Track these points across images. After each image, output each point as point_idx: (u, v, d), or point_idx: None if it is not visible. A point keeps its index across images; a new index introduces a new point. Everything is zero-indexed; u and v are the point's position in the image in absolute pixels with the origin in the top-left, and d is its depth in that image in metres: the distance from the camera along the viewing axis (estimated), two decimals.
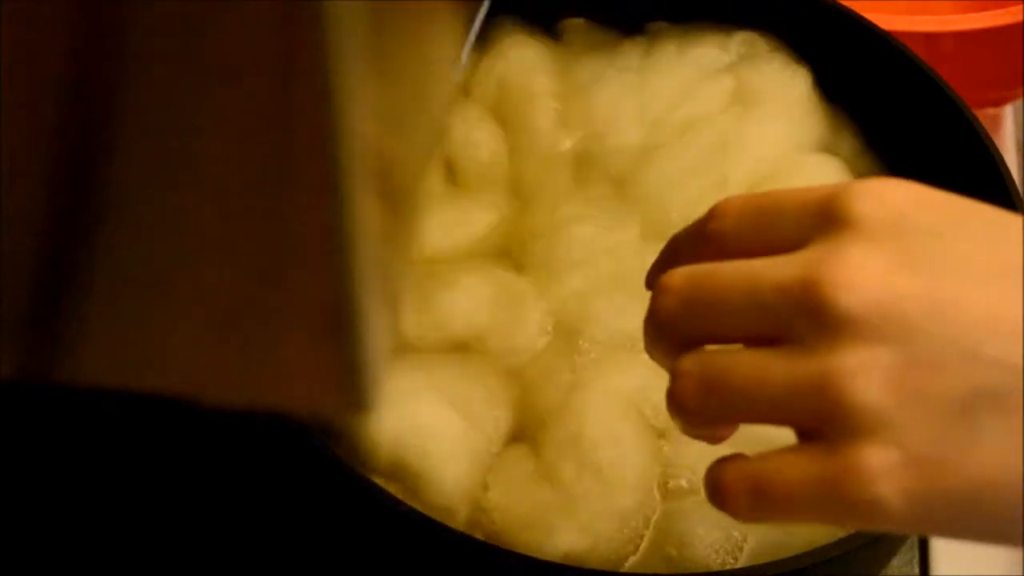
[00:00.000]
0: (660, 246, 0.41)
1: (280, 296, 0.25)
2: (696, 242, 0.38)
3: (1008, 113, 0.82)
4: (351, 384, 0.27)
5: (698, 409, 0.36)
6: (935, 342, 0.33)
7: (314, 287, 0.25)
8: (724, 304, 0.35)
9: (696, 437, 0.38)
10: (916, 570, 0.61)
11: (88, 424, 0.58)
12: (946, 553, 0.61)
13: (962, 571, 0.60)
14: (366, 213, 0.25)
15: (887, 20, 0.66)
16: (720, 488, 0.35)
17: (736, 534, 0.49)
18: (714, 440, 0.39)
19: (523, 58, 0.63)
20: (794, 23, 0.63)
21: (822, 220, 0.35)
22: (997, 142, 0.59)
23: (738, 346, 0.36)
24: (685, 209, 0.57)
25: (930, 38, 0.73)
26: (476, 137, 0.60)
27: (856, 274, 0.33)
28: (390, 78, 0.26)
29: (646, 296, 0.39)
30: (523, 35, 0.64)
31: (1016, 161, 0.80)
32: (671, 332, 0.37)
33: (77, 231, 0.25)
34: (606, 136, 0.62)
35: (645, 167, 0.60)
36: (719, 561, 0.48)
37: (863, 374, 0.32)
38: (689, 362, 0.36)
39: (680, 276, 0.37)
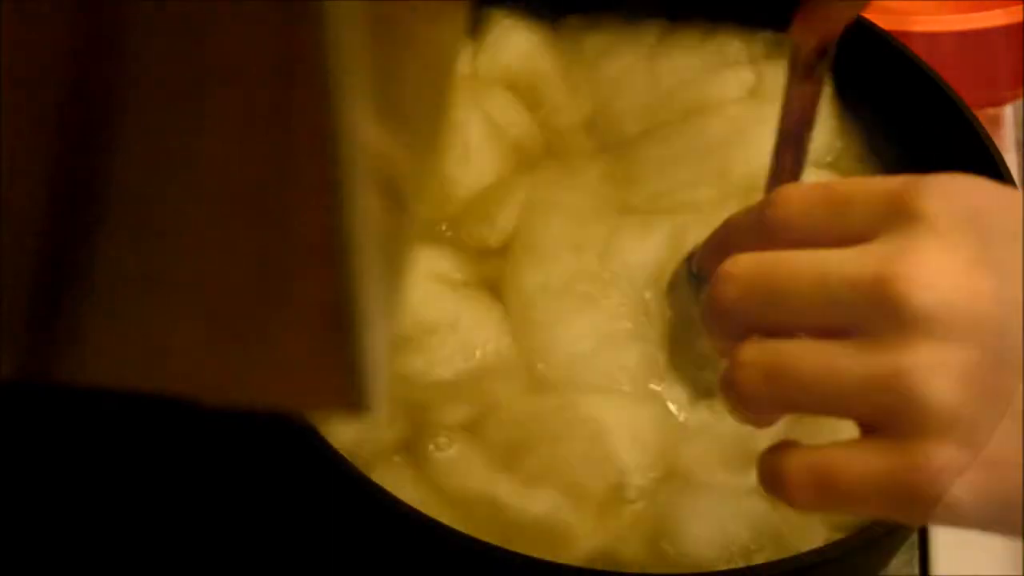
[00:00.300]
0: (636, 220, 0.41)
1: (280, 296, 0.25)
2: (755, 229, 0.38)
3: (1008, 113, 0.82)
4: (351, 384, 0.27)
5: (759, 398, 0.36)
6: (1012, 342, 0.33)
7: (314, 287, 0.25)
8: (792, 295, 0.35)
9: (744, 422, 0.38)
10: (916, 570, 0.61)
11: (88, 424, 0.58)
12: (946, 553, 0.61)
13: (962, 571, 0.60)
14: (367, 213, 0.25)
15: (887, 20, 0.66)
16: (781, 477, 0.35)
17: (732, 528, 0.49)
18: (761, 425, 0.39)
19: (525, 41, 0.63)
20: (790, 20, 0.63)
21: (893, 214, 0.35)
22: (997, 142, 0.59)
23: (798, 336, 0.36)
24: (679, 191, 0.57)
25: (930, 38, 0.73)
26: (505, 119, 0.60)
27: (933, 271, 0.33)
28: (391, 76, 0.26)
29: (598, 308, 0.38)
30: (521, 22, 0.64)
31: (1016, 161, 0.80)
32: (733, 320, 0.37)
33: (77, 231, 0.25)
34: (613, 105, 0.62)
35: (647, 141, 0.60)
36: (712, 556, 0.48)
37: (939, 372, 0.32)
38: (753, 351, 0.36)
39: (745, 264, 0.36)
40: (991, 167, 0.56)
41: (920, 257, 0.33)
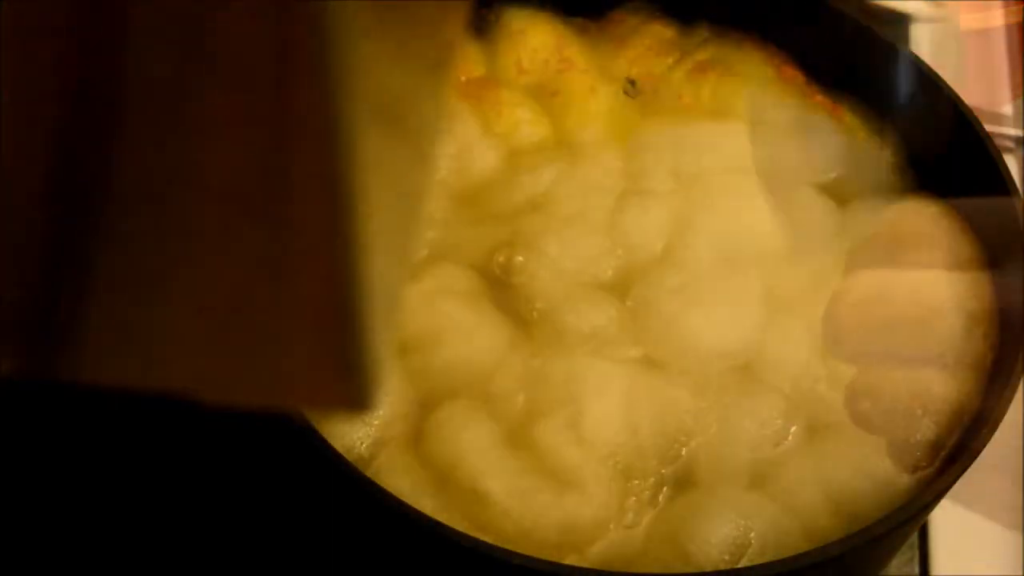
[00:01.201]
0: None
1: (280, 296, 0.25)
2: None
3: (1008, 113, 0.82)
4: (351, 384, 0.27)
5: None
6: None
7: (315, 287, 0.25)
8: None
9: None
10: (916, 570, 0.61)
11: (88, 424, 0.58)
12: (946, 553, 0.61)
13: (962, 571, 0.60)
14: (367, 213, 0.25)
15: None
16: None
17: (743, 522, 0.48)
18: None
19: (540, 39, 0.63)
20: (792, 22, 0.63)
21: None
22: (997, 142, 0.59)
23: None
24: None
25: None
26: (520, 116, 0.61)
27: None
28: (391, 75, 0.26)
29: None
30: (538, 20, 0.64)
31: (1016, 161, 0.80)
32: None
33: (77, 231, 0.25)
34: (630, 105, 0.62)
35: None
36: (727, 560, 0.48)
37: None
38: None
39: None
40: (991, 167, 0.56)
41: None
